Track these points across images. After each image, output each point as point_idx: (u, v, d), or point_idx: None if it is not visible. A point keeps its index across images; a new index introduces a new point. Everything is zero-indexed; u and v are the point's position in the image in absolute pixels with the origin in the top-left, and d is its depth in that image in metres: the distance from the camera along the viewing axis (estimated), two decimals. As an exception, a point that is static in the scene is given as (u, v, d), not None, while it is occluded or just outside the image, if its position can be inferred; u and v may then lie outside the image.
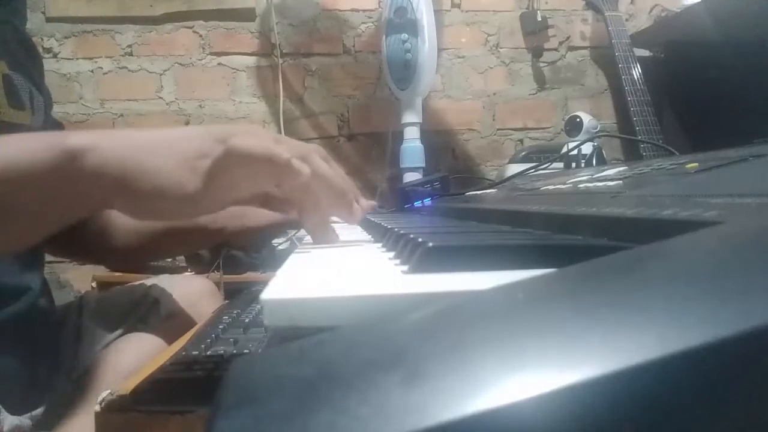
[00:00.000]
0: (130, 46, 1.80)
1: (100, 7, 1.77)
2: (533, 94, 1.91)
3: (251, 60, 1.83)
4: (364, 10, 1.84)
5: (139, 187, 0.37)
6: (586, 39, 1.91)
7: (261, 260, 1.46)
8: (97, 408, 0.36)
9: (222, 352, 0.44)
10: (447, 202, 0.99)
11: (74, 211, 0.44)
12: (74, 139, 0.37)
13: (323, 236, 0.43)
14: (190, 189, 0.37)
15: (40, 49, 1.73)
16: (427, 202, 1.05)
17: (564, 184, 0.68)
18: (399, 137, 1.64)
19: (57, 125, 0.80)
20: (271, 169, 0.37)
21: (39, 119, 0.70)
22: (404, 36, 1.51)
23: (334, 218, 0.59)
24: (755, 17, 1.31)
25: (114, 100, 1.80)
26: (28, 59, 0.72)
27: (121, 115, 1.80)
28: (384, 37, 1.55)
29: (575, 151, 1.11)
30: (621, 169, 0.68)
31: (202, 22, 1.81)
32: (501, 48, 1.89)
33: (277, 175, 0.38)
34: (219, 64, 1.82)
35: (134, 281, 0.85)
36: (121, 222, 0.76)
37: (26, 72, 0.69)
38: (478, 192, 1.00)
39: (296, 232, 1.18)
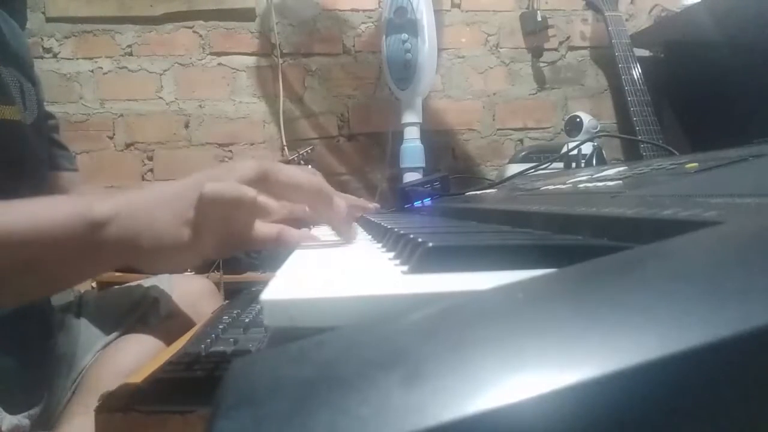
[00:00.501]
0: (130, 46, 1.80)
1: (100, 7, 1.77)
2: (533, 94, 1.91)
3: (251, 60, 1.83)
4: (364, 10, 1.85)
5: (144, 247, 0.40)
6: (586, 39, 1.91)
7: (261, 260, 1.46)
8: (97, 408, 0.36)
9: (222, 352, 0.44)
10: (447, 202, 0.99)
11: (90, 272, 0.49)
12: (97, 209, 0.41)
13: (345, 230, 0.46)
14: (184, 240, 0.40)
15: (41, 49, 1.74)
16: (427, 202, 1.05)
17: (564, 184, 0.68)
18: (399, 137, 1.64)
19: (50, 117, 0.79)
20: (243, 208, 0.40)
21: (32, 115, 0.69)
22: (404, 36, 1.51)
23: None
24: (755, 17, 1.31)
25: (114, 100, 1.80)
26: (18, 52, 0.71)
27: (121, 115, 1.80)
28: (384, 37, 1.55)
29: (575, 151, 1.11)
30: (621, 169, 0.68)
31: (202, 22, 1.81)
32: (501, 48, 1.89)
33: (251, 214, 0.41)
34: (219, 64, 1.82)
35: (134, 281, 0.85)
36: None
37: (18, 66, 0.69)
38: (478, 192, 1.00)
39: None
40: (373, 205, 0.87)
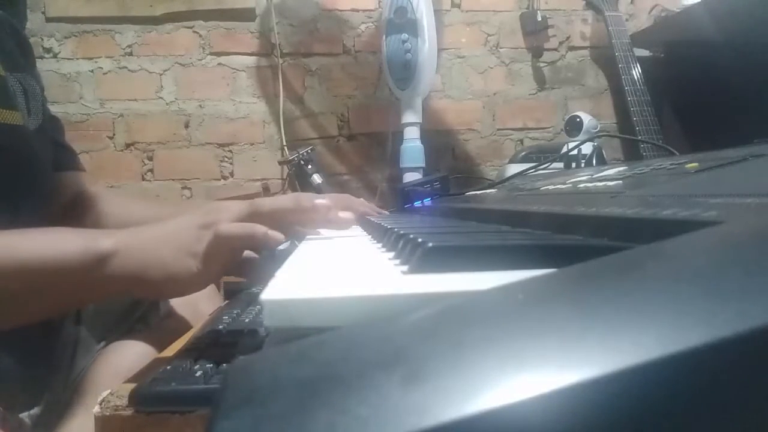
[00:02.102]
0: (130, 46, 1.80)
1: (100, 7, 1.77)
2: (533, 94, 1.91)
3: (251, 60, 1.83)
4: (364, 10, 1.84)
5: (152, 277, 0.46)
6: (586, 39, 1.91)
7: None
8: (97, 408, 0.36)
9: (222, 352, 0.44)
10: (447, 202, 0.98)
11: (96, 299, 0.56)
12: (103, 244, 0.45)
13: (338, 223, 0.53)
14: (193, 270, 0.46)
15: (41, 49, 1.74)
16: (427, 202, 1.05)
17: (564, 184, 0.68)
18: (399, 137, 1.64)
19: (54, 121, 0.80)
20: (253, 243, 0.46)
21: (36, 121, 0.70)
22: (404, 36, 1.51)
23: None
24: (755, 17, 1.31)
25: (114, 100, 1.80)
26: (23, 57, 0.72)
27: (121, 115, 1.80)
28: (384, 37, 1.55)
29: (575, 151, 1.11)
30: (621, 169, 0.68)
31: (202, 22, 1.81)
32: (501, 48, 1.89)
33: (260, 246, 0.47)
34: (219, 64, 1.82)
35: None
36: (113, 212, 0.77)
37: (21, 70, 0.69)
38: (478, 192, 1.00)
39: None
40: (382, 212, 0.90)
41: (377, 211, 0.88)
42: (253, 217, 0.47)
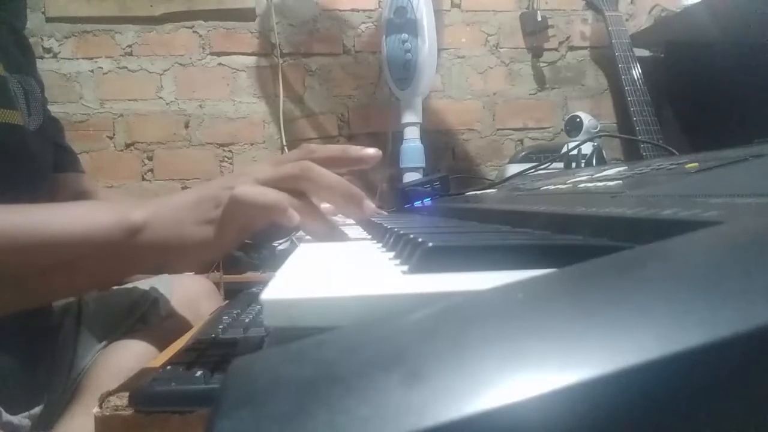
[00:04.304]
0: (130, 46, 1.80)
1: (100, 7, 1.77)
2: (533, 94, 1.91)
3: (251, 60, 1.83)
4: (364, 10, 1.84)
5: (173, 249, 0.44)
6: (586, 39, 1.91)
7: (261, 260, 1.46)
8: (97, 408, 0.36)
9: (222, 352, 0.44)
10: (447, 202, 0.98)
11: (124, 273, 0.54)
12: (134, 216, 0.44)
13: (328, 238, 0.47)
14: (210, 238, 0.43)
15: (41, 50, 1.74)
16: (427, 202, 1.05)
17: (564, 184, 0.68)
18: (399, 137, 1.64)
19: (54, 122, 0.80)
20: (271, 214, 0.42)
21: (36, 121, 0.70)
22: (404, 36, 1.51)
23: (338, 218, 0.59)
24: (755, 17, 1.31)
25: (114, 100, 1.80)
26: (23, 58, 0.72)
27: (121, 115, 1.80)
28: (384, 37, 1.55)
29: (575, 151, 1.11)
30: (621, 169, 0.68)
31: (202, 22, 1.81)
32: (501, 48, 1.89)
33: (277, 219, 0.43)
34: (219, 64, 1.82)
35: (134, 281, 0.85)
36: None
37: (23, 72, 0.69)
38: (478, 192, 1.00)
39: (296, 233, 1.18)
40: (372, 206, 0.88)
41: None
42: (298, 180, 0.43)
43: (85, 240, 0.44)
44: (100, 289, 0.72)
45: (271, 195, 0.41)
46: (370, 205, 0.46)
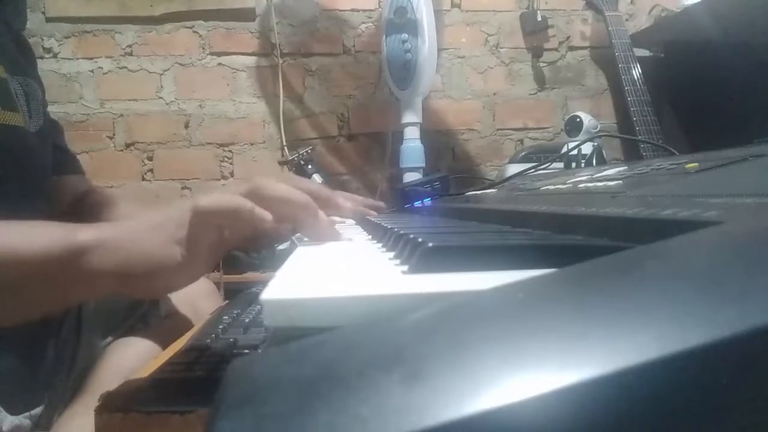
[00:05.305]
0: (130, 46, 1.80)
1: (100, 7, 1.77)
2: (533, 94, 1.91)
3: (251, 60, 1.83)
4: (364, 10, 1.84)
5: (135, 272, 0.41)
6: (586, 39, 1.91)
7: (261, 260, 1.46)
8: (97, 408, 0.36)
9: (222, 352, 0.44)
10: (447, 202, 0.98)
11: (83, 296, 0.52)
12: (81, 237, 0.41)
13: (325, 238, 0.46)
14: (178, 258, 0.40)
15: (41, 50, 1.74)
16: (427, 202, 1.05)
17: (564, 184, 0.68)
18: (399, 137, 1.64)
19: (54, 125, 0.80)
20: (239, 218, 0.40)
21: (37, 123, 0.70)
22: (404, 36, 1.51)
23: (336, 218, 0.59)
24: (755, 17, 1.31)
25: (114, 100, 1.80)
26: (23, 60, 0.72)
27: (121, 115, 1.80)
28: (384, 37, 1.55)
29: (575, 151, 1.11)
30: (621, 169, 0.68)
31: (202, 22, 1.81)
32: (501, 48, 1.89)
33: (247, 223, 0.41)
34: (219, 64, 1.82)
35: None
36: (114, 216, 0.77)
37: (23, 74, 0.69)
38: (478, 192, 1.00)
39: (296, 233, 1.18)
40: (381, 204, 0.88)
41: (373, 205, 0.85)
42: (250, 196, 0.41)
43: (24, 259, 0.41)
44: (54, 312, 0.67)
45: (233, 198, 0.40)
46: (324, 218, 0.45)
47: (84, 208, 0.79)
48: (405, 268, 0.27)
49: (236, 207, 0.39)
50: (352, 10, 1.84)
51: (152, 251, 0.41)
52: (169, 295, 0.80)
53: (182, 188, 1.82)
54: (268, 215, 0.40)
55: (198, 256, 0.41)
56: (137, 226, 0.43)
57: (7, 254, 0.41)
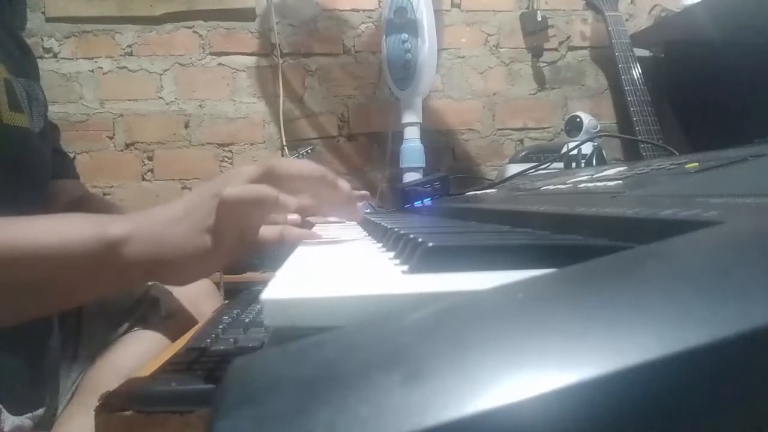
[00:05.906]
0: (130, 46, 1.80)
1: (100, 7, 1.77)
2: (533, 94, 1.91)
3: (251, 60, 1.83)
4: (364, 10, 1.84)
5: (167, 261, 0.42)
6: (586, 39, 1.91)
7: (261, 260, 1.46)
8: (97, 408, 0.36)
9: (222, 352, 0.44)
10: (447, 202, 0.98)
11: (116, 287, 0.53)
12: (112, 230, 0.42)
13: (352, 210, 0.49)
14: (207, 247, 0.42)
15: (41, 50, 1.74)
16: (427, 202, 1.05)
17: (564, 184, 0.68)
18: (399, 137, 1.64)
19: (53, 128, 0.80)
20: (264, 207, 0.42)
21: (39, 123, 0.70)
22: (404, 36, 1.51)
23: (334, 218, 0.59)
24: (755, 17, 1.31)
25: (114, 100, 1.80)
26: (25, 62, 0.72)
27: (121, 115, 1.80)
28: (384, 37, 1.55)
29: (575, 151, 1.11)
30: (621, 169, 0.68)
31: (202, 22, 1.81)
32: (501, 48, 1.89)
33: (271, 211, 0.43)
34: (219, 64, 1.82)
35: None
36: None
37: (25, 75, 0.70)
38: (478, 192, 1.00)
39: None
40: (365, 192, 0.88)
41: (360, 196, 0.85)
42: (267, 178, 0.43)
43: (59, 254, 0.42)
44: (87, 303, 0.70)
45: (259, 187, 0.41)
46: (345, 185, 0.46)
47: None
48: (405, 267, 0.27)
49: (263, 196, 0.41)
50: (352, 10, 1.84)
51: (184, 240, 0.42)
52: (169, 294, 0.80)
53: (182, 188, 1.82)
54: (292, 201, 0.42)
55: (225, 244, 0.42)
56: (166, 216, 0.44)
57: (43, 248, 0.42)
